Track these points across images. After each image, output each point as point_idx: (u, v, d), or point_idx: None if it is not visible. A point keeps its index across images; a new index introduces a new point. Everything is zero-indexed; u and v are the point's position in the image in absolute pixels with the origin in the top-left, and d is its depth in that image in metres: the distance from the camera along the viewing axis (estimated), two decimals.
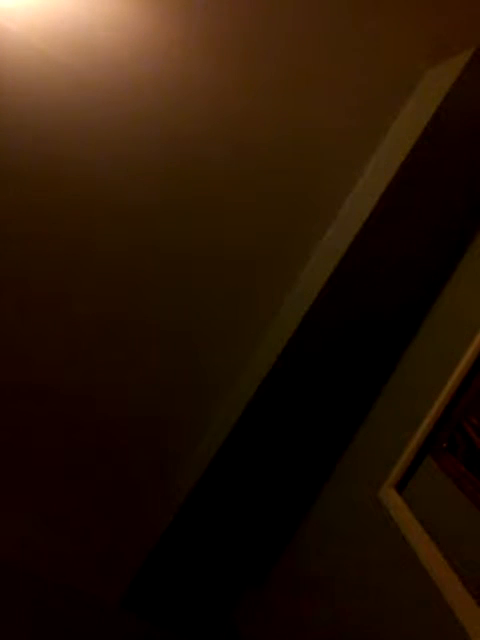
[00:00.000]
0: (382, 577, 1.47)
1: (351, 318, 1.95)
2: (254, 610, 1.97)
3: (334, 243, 2.09)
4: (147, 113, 2.07)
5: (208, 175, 2.15)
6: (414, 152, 1.90)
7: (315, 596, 1.69)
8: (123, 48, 2.03)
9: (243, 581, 2.06)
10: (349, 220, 2.07)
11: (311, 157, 2.18)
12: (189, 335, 2.23)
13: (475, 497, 1.29)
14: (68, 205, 2.10)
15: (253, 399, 1.96)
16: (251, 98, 2.11)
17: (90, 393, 2.23)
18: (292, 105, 2.13)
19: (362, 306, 1.95)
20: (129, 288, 2.18)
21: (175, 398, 2.27)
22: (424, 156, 1.90)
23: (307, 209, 2.21)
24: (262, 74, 2.09)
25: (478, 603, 1.14)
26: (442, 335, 1.79)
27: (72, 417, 2.23)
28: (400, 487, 1.55)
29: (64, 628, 1.91)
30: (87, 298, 2.17)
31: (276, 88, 2.11)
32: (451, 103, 1.88)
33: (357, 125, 2.16)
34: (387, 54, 2.09)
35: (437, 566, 1.27)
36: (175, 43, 2.04)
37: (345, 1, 1.99)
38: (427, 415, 1.58)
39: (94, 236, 2.13)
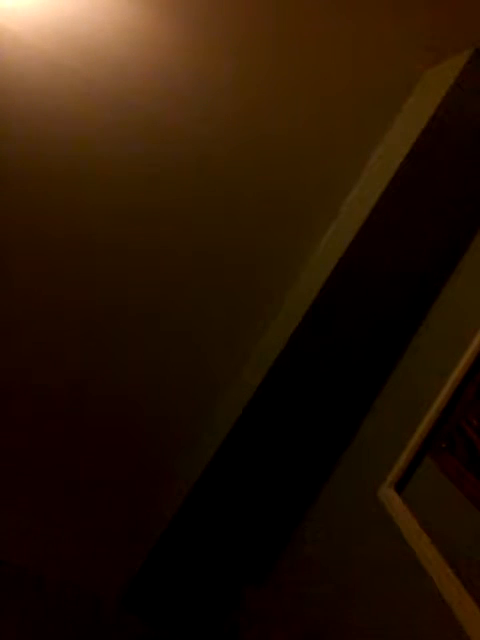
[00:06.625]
0: (381, 576, 1.47)
1: (351, 317, 1.95)
2: (254, 610, 1.97)
3: (335, 242, 2.09)
4: (148, 113, 2.08)
5: (209, 174, 2.15)
6: (413, 152, 1.90)
7: (315, 596, 1.69)
8: (124, 47, 2.03)
9: (243, 581, 2.07)
10: (349, 219, 2.07)
11: (311, 157, 2.18)
12: (190, 333, 2.24)
13: (474, 497, 1.29)
14: (67, 204, 2.11)
15: (252, 400, 1.96)
16: (251, 99, 2.11)
17: (90, 392, 2.23)
18: (291, 106, 2.13)
19: (362, 305, 1.95)
20: (130, 287, 2.19)
21: (175, 397, 2.27)
22: (423, 156, 1.91)
23: (307, 208, 2.22)
24: (261, 76, 2.09)
25: (477, 603, 1.15)
26: (442, 335, 1.80)
27: (72, 417, 2.24)
28: (399, 487, 1.55)
29: (64, 628, 1.91)
30: (88, 296, 2.17)
31: (274, 89, 2.11)
32: (450, 104, 1.89)
33: (357, 126, 2.17)
34: (386, 55, 2.09)
35: (436, 566, 1.28)
36: (176, 43, 2.04)
37: (344, 2, 1.99)
38: (426, 415, 1.58)
39: (95, 235, 2.14)
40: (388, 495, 1.55)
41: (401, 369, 1.91)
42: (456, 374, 1.55)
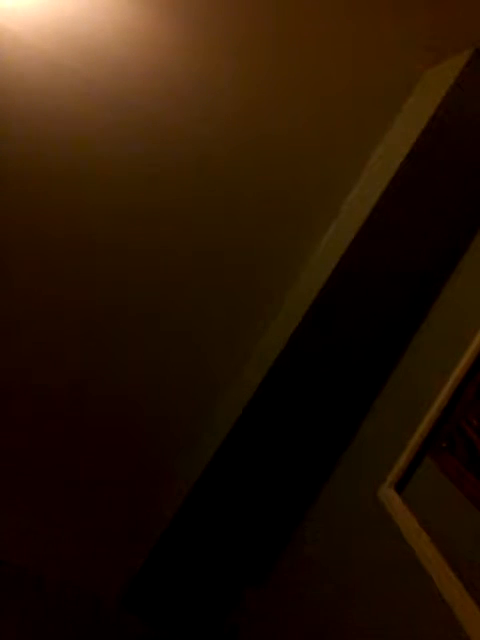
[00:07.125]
0: (382, 577, 1.47)
1: (351, 317, 1.95)
2: (254, 610, 1.97)
3: (335, 242, 2.09)
4: (148, 113, 2.08)
5: (209, 174, 2.15)
6: (413, 152, 1.90)
7: (315, 596, 1.69)
8: (124, 47, 2.03)
9: (243, 581, 2.07)
10: (349, 219, 2.07)
11: (311, 157, 2.18)
12: (190, 333, 2.24)
13: (474, 497, 1.29)
14: (67, 204, 2.11)
15: (252, 400, 1.96)
16: (251, 99, 2.11)
17: (90, 392, 2.23)
18: (291, 106, 2.13)
19: (362, 305, 1.95)
20: (130, 287, 2.19)
21: (175, 397, 2.27)
22: (423, 156, 1.91)
23: (307, 208, 2.22)
24: (261, 76, 2.09)
25: (478, 603, 1.15)
26: (442, 334, 1.80)
27: (72, 417, 2.24)
28: (399, 487, 1.55)
29: (64, 628, 1.91)
30: (88, 296, 2.17)
31: (274, 89, 2.11)
32: (450, 104, 1.89)
33: (357, 126, 2.17)
34: (386, 55, 2.09)
35: (436, 566, 1.28)
36: (176, 43, 2.04)
37: (343, 2, 1.99)
38: (426, 415, 1.58)
39: (95, 235, 2.14)
40: (388, 495, 1.55)
41: (401, 369, 1.91)
42: (456, 374, 1.55)
